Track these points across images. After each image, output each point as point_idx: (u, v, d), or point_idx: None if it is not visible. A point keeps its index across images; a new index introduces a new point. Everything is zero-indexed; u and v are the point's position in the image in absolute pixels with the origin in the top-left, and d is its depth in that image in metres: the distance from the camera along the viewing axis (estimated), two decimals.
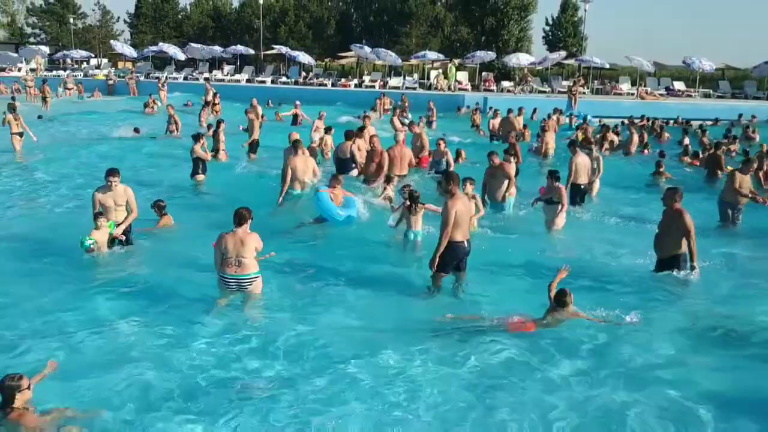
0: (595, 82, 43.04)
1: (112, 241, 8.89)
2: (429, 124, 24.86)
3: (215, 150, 16.20)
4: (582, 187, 12.45)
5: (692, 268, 8.14)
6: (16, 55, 52.19)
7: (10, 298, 7.50)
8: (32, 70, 47.43)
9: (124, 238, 8.99)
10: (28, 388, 4.82)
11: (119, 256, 8.90)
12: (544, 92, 39.04)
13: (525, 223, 11.24)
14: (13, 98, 30.27)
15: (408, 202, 9.57)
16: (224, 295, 7.29)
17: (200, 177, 14.04)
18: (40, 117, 24.73)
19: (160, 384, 5.67)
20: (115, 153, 18.07)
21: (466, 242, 7.73)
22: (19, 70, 48.54)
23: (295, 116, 24.30)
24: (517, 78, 43.86)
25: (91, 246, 8.55)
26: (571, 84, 29.69)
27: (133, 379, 5.72)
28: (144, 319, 6.99)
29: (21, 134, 18.07)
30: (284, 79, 43.44)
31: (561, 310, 6.79)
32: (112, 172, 8.88)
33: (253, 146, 17.64)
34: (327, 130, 16.91)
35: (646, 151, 19.24)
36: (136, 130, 20.26)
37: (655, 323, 7.07)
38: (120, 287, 7.92)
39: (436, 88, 37.95)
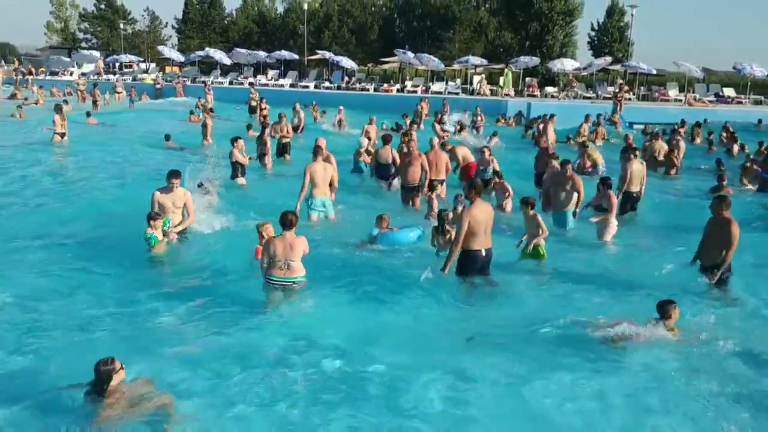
0: (642, 88, 42.29)
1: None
2: (476, 129, 24.75)
3: (261, 155, 16.24)
4: (634, 194, 12.19)
5: (713, 273, 7.93)
6: (68, 59, 53.70)
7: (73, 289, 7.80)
8: (96, 74, 48.75)
9: (175, 238, 9.03)
10: (121, 368, 5.09)
11: (172, 254, 9.04)
12: (589, 98, 38.44)
13: (578, 231, 11.01)
14: (65, 101, 31.18)
15: (435, 223, 9.17)
16: (271, 296, 7.35)
17: (241, 180, 14.07)
18: (88, 114, 25.51)
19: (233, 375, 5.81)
20: (159, 154, 18.42)
21: (484, 251, 7.74)
22: (71, 74, 49.94)
23: (340, 121, 24.35)
24: (561, 84, 43.35)
25: (154, 242, 8.65)
26: (617, 90, 29.19)
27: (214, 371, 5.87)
28: (201, 316, 7.16)
29: (63, 135, 19.26)
30: (327, 83, 43.78)
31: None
32: (174, 174, 8.97)
33: (287, 148, 17.98)
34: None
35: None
36: (167, 137, 20.06)
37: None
38: (168, 285, 8.08)
39: (479, 94, 37.74)
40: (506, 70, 40.53)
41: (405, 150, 12.86)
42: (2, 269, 8.39)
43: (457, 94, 38.54)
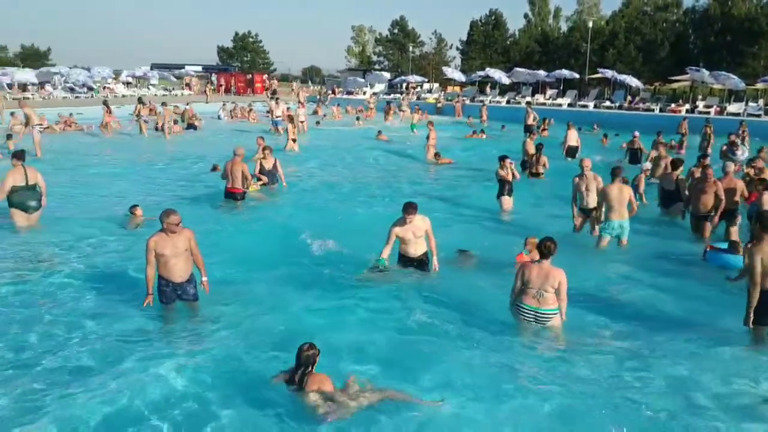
0: None
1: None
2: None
3: (535, 175, 16.35)
4: None
5: None
6: (362, 80, 58.85)
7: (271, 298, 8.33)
8: (374, 93, 53.12)
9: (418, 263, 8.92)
10: (318, 353, 5.61)
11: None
12: None
13: None
14: (357, 118, 34.48)
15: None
16: (519, 325, 7.18)
17: (507, 201, 13.99)
18: (379, 133, 27.75)
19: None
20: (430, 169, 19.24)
21: None
22: (364, 93, 54.67)
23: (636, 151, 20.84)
24: None
25: (381, 267, 8.65)
26: None
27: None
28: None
29: (294, 140, 22.87)
30: (608, 103, 41.98)
31: None
32: (409, 209, 8.54)
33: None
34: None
35: None
36: (437, 155, 20.96)
37: None
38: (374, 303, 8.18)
39: None
40: None
41: (697, 175, 11.87)
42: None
43: (758, 116, 34.38)
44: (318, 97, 50.66)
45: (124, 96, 43.43)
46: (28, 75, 48.31)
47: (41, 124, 22.45)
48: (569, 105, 42.87)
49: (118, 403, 5.71)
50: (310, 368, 5.54)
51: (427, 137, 22.13)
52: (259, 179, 14.70)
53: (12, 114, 25.45)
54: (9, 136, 21.13)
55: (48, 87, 47.03)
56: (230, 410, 5.65)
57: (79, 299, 8.33)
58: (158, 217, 7.44)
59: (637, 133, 20.87)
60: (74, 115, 30.27)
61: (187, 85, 54.67)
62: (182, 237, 7.41)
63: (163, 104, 28.98)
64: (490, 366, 6.48)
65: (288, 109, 33.10)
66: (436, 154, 21.10)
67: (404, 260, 8.95)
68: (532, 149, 17.74)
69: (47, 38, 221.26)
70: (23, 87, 46.05)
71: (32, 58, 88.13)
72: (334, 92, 55.63)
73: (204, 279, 7.76)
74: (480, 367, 6.44)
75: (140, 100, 30.38)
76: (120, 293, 8.45)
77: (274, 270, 9.44)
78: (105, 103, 30.54)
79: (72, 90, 48.04)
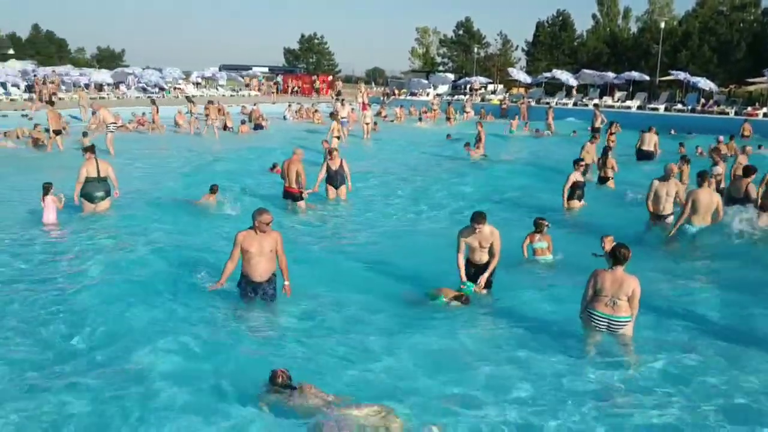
0: None
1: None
2: None
3: (603, 179, 15.92)
4: None
5: None
6: (426, 81, 58.70)
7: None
8: (438, 95, 52.98)
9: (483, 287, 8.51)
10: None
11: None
12: None
13: None
14: (419, 119, 34.55)
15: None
16: (591, 333, 6.98)
17: (576, 204, 13.77)
18: (448, 136, 27.64)
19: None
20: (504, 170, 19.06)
21: None
22: (428, 95, 54.54)
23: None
24: None
25: (467, 294, 8.22)
26: None
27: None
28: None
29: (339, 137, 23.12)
30: (679, 106, 40.62)
31: None
32: (477, 218, 8.19)
33: None
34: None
35: None
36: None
37: None
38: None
39: None
40: None
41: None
42: None
43: None
44: (381, 98, 50.84)
45: (194, 96, 44.53)
46: (104, 75, 50.08)
47: (115, 123, 23.28)
48: (638, 107, 41.69)
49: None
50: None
51: (477, 137, 22.62)
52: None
53: (93, 114, 26.48)
54: (85, 134, 22.12)
55: (122, 87, 48.65)
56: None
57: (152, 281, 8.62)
58: (251, 214, 7.56)
59: (721, 138, 20.23)
60: (146, 115, 31.26)
61: (247, 85, 55.72)
62: (270, 237, 7.52)
63: (210, 102, 29.81)
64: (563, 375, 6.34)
65: (349, 105, 33.34)
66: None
67: (466, 266, 8.66)
68: (592, 152, 17.40)
69: (122, 40, 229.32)
70: (99, 87, 47.79)
71: (107, 59, 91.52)
72: (395, 93, 55.68)
73: (286, 283, 7.82)
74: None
75: (189, 99, 31.42)
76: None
77: (338, 276, 9.39)
78: (153, 101, 31.65)
79: (144, 90, 49.56)
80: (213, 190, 13.33)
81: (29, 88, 41.53)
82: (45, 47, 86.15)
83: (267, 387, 5.65)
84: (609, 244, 8.63)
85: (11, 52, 68.87)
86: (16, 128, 24.82)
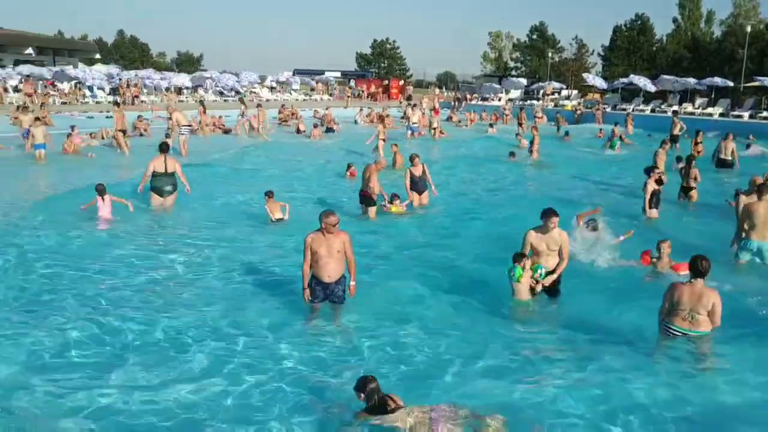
0: None
1: (532, 289, 8.22)
2: None
3: (686, 189, 15.37)
4: None
5: None
6: (498, 86, 58.18)
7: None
8: (509, 99, 52.36)
9: (547, 286, 8.29)
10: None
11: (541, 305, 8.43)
12: None
13: None
14: (491, 124, 34.32)
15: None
16: (667, 343, 6.74)
17: (653, 213, 13.31)
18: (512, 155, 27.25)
19: None
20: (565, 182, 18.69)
21: None
22: (500, 99, 54.01)
23: None
24: None
25: (519, 279, 8.08)
26: None
27: None
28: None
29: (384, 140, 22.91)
30: (765, 113, 38.77)
31: None
32: (550, 213, 8.08)
33: None
34: None
35: None
36: None
37: None
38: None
39: None
40: None
41: None
42: None
43: None
44: (453, 103, 50.60)
45: (267, 100, 45.49)
46: (183, 79, 51.88)
47: (190, 126, 24.06)
48: (721, 115, 39.97)
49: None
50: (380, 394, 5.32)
51: (531, 141, 23.12)
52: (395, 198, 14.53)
53: (169, 118, 27.42)
54: (167, 135, 23.08)
55: (200, 90, 50.23)
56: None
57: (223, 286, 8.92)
58: (318, 217, 7.67)
59: None
60: (223, 117, 32.15)
61: (312, 89, 56.67)
62: (338, 238, 7.59)
63: (258, 105, 30.46)
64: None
65: (419, 110, 33.28)
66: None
67: None
68: (664, 159, 16.83)
69: (200, 45, 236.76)
70: (178, 90, 49.49)
71: (186, 63, 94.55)
72: (466, 98, 55.34)
73: (352, 283, 7.88)
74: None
75: (242, 100, 32.20)
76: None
77: (408, 280, 9.34)
78: (201, 102, 32.52)
79: (221, 93, 51.06)
80: (269, 195, 13.14)
81: (114, 91, 43.45)
82: (129, 51, 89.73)
83: (359, 397, 5.42)
84: (665, 249, 8.40)
85: (98, 56, 72.11)
86: (101, 129, 25.99)
